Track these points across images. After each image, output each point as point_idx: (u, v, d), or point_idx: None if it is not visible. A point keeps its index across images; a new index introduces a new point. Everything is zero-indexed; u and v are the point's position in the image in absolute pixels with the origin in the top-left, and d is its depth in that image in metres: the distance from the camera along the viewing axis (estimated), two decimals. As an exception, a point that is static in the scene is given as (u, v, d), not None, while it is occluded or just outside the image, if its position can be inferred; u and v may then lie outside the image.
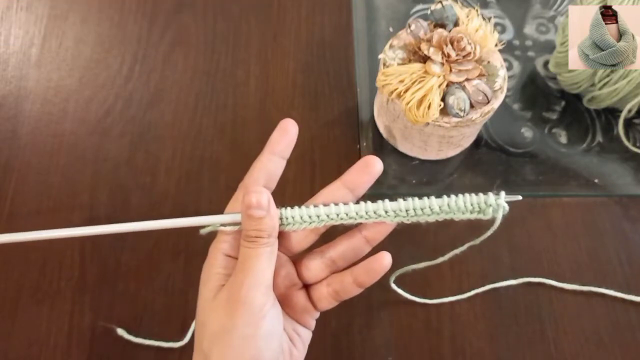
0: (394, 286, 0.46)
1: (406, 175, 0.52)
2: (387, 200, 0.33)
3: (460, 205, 0.33)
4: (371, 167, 0.33)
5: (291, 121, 0.34)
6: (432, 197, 0.33)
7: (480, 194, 0.33)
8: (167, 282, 0.47)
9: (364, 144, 0.53)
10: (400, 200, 0.33)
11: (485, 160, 0.53)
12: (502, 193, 0.33)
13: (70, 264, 0.47)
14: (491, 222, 0.33)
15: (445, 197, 0.33)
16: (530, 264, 0.49)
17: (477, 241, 0.36)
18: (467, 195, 0.33)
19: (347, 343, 0.46)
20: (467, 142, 0.52)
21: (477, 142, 0.54)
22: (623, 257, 0.50)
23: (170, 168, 0.52)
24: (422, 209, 0.33)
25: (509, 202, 0.33)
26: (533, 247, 0.50)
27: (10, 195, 0.50)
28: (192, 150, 0.53)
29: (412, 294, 0.47)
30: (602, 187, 0.52)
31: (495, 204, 0.32)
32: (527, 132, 0.55)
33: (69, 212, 0.49)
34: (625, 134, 0.53)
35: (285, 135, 0.34)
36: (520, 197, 0.33)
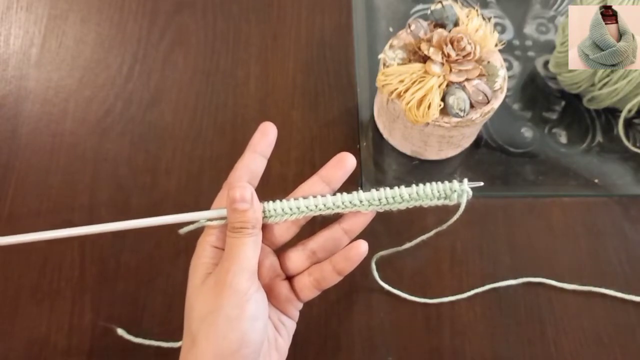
0: (382, 283, 0.47)
1: (406, 175, 0.52)
2: (360, 191, 0.36)
3: (428, 193, 0.35)
4: (345, 162, 0.36)
5: (271, 124, 0.37)
6: (402, 187, 0.36)
7: (446, 182, 0.36)
8: (167, 282, 0.47)
9: (364, 144, 0.53)
10: (373, 190, 0.36)
11: (485, 160, 0.53)
12: (465, 180, 0.36)
13: (70, 264, 0.47)
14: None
15: (414, 185, 0.36)
16: (530, 264, 0.49)
17: (444, 226, 0.38)
18: (433, 183, 0.36)
19: (347, 343, 0.46)
20: (467, 142, 0.52)
21: (477, 142, 0.54)
22: (623, 257, 0.50)
23: (170, 168, 0.52)
24: (393, 197, 0.35)
25: (472, 188, 0.36)
26: (533, 247, 0.50)
27: (10, 195, 0.50)
28: (192, 150, 0.53)
29: (412, 294, 0.47)
30: (602, 187, 0.52)
31: (459, 190, 0.35)
32: (527, 132, 0.55)
33: (69, 212, 0.49)
34: (625, 134, 0.53)
35: (266, 137, 0.36)
36: (481, 183, 0.37)
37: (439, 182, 0.36)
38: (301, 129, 0.54)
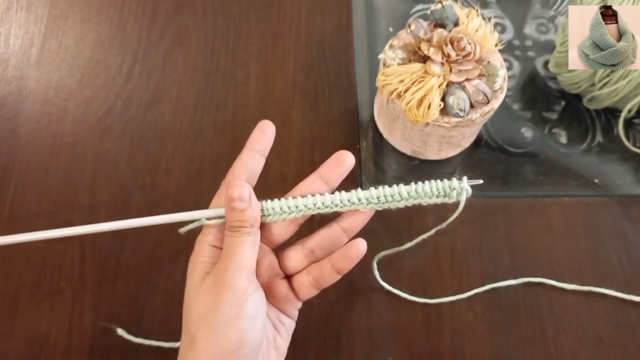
0: (382, 283, 0.47)
1: (406, 175, 0.52)
2: (359, 189, 0.36)
3: (427, 191, 0.35)
4: (343, 160, 0.36)
5: (269, 122, 0.36)
6: (401, 185, 0.36)
7: (445, 180, 0.35)
8: (167, 282, 0.47)
9: (364, 144, 0.53)
10: (372, 189, 0.35)
11: (485, 160, 0.53)
12: (465, 178, 0.36)
13: (70, 264, 0.47)
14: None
15: (413, 183, 0.36)
16: (530, 264, 0.49)
17: (444, 224, 0.38)
18: (432, 181, 0.36)
19: (347, 343, 0.46)
20: (467, 142, 0.52)
21: (477, 142, 0.54)
22: (623, 257, 0.50)
23: (170, 168, 0.52)
24: (392, 196, 0.35)
25: (472, 186, 0.36)
26: (533, 247, 0.50)
27: (10, 196, 0.50)
28: (192, 150, 0.53)
29: (412, 294, 0.47)
30: (602, 187, 0.52)
31: (459, 188, 0.35)
32: (527, 132, 0.55)
33: (69, 212, 0.49)
34: (625, 134, 0.53)
35: (264, 135, 0.36)
36: (481, 181, 0.37)
37: (438, 180, 0.35)
38: (301, 129, 0.54)
